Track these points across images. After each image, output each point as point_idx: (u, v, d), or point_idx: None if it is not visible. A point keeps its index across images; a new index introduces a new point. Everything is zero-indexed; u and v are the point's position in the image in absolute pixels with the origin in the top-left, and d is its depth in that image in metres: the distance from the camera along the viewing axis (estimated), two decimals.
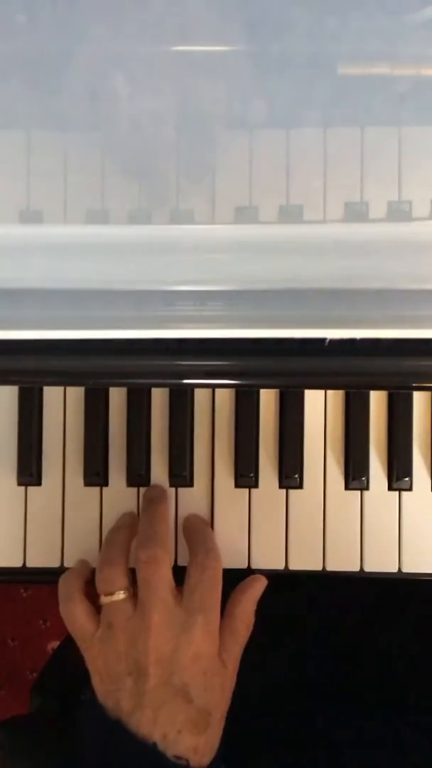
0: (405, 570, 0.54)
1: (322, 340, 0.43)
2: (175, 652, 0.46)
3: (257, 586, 0.51)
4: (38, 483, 0.55)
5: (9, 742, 0.54)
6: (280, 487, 0.54)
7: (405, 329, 0.41)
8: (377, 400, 0.54)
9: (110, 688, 0.46)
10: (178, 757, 0.44)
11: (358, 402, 0.54)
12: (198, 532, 0.52)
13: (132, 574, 0.49)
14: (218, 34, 0.41)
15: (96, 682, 0.47)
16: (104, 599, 0.48)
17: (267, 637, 0.58)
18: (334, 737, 0.53)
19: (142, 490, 0.55)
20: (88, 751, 0.46)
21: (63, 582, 0.50)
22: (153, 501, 0.53)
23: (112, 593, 0.48)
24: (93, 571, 0.51)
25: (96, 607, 0.49)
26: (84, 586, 0.50)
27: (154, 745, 0.44)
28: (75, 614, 0.49)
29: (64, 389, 0.55)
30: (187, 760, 0.44)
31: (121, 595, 0.48)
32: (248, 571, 0.54)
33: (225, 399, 0.55)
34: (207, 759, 0.46)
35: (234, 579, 0.52)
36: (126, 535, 0.52)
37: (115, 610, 0.48)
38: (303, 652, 0.60)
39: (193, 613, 0.47)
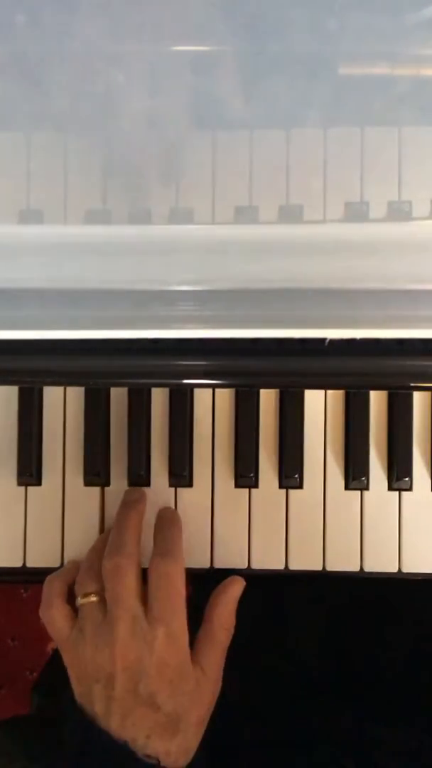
0: (405, 570, 0.54)
1: (322, 340, 0.43)
2: (140, 662, 0.46)
3: (235, 588, 0.50)
4: (38, 483, 0.55)
5: (9, 742, 0.54)
6: (280, 487, 0.54)
7: (405, 329, 0.41)
8: (377, 400, 0.54)
9: (84, 690, 0.47)
10: (148, 756, 0.45)
11: (358, 402, 0.54)
12: (161, 530, 0.51)
13: None
14: (218, 34, 0.41)
15: (73, 683, 0.48)
16: (78, 601, 0.49)
17: (263, 637, 0.58)
18: (332, 737, 0.52)
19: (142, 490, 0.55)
20: (68, 746, 0.47)
21: (45, 584, 0.51)
22: (127, 506, 0.52)
23: (86, 595, 0.48)
24: None
25: (75, 610, 0.49)
26: (67, 589, 0.50)
27: (126, 743, 0.45)
28: (52, 617, 0.49)
29: (64, 389, 0.55)
30: (157, 759, 0.45)
31: (92, 598, 0.48)
32: (248, 572, 0.54)
33: (225, 399, 0.55)
34: (183, 761, 0.46)
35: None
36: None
37: (86, 614, 0.48)
38: (301, 652, 0.60)
39: (155, 625, 0.46)
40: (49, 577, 0.51)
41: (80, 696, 0.47)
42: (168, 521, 0.52)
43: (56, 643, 0.49)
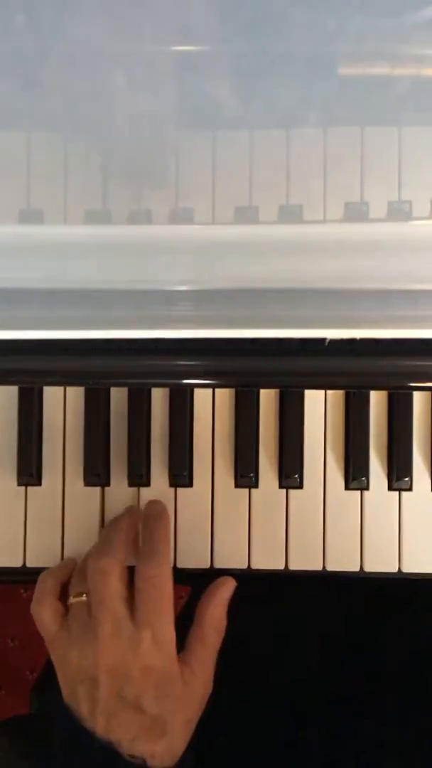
0: (405, 570, 0.54)
1: (322, 340, 0.43)
2: (124, 665, 0.46)
3: (225, 589, 0.50)
4: (38, 483, 0.55)
5: (9, 742, 0.54)
6: (280, 487, 0.54)
7: (405, 329, 0.41)
8: (377, 400, 0.54)
9: (70, 691, 0.47)
10: (132, 756, 0.44)
11: (358, 402, 0.54)
12: (149, 529, 0.51)
13: None
14: (218, 34, 0.41)
15: (60, 682, 0.48)
16: (69, 600, 0.49)
17: (265, 639, 0.57)
18: (334, 738, 0.52)
19: (143, 490, 0.55)
20: (56, 744, 0.47)
21: (38, 580, 0.51)
22: (127, 512, 0.53)
23: (77, 595, 0.48)
24: None
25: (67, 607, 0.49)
26: (59, 587, 0.50)
27: (111, 743, 0.45)
28: (41, 614, 0.49)
29: (64, 389, 0.55)
30: (143, 759, 0.45)
31: (83, 598, 0.48)
32: (248, 572, 0.54)
33: (225, 399, 0.55)
34: (169, 762, 0.46)
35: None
36: None
37: (74, 614, 0.48)
38: (302, 653, 0.60)
39: (141, 628, 0.46)
40: (42, 574, 0.51)
41: (67, 696, 0.47)
42: (154, 519, 0.51)
43: (45, 640, 0.49)
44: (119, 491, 0.55)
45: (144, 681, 0.46)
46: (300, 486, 0.54)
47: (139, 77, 0.42)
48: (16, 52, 0.41)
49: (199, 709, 0.48)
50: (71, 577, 0.50)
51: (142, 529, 0.51)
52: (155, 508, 0.53)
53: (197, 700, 0.48)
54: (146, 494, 0.55)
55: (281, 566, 0.54)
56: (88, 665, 0.46)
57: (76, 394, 0.55)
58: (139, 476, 0.54)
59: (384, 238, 0.38)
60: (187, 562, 0.53)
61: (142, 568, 0.48)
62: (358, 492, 0.54)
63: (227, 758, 0.51)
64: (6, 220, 0.45)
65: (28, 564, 0.55)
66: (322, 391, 0.54)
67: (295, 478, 0.54)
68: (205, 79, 0.42)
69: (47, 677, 0.70)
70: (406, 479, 0.54)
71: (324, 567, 0.54)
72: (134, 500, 0.55)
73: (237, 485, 0.54)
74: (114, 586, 0.47)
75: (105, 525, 0.53)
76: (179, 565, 0.54)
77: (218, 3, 0.41)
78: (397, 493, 0.54)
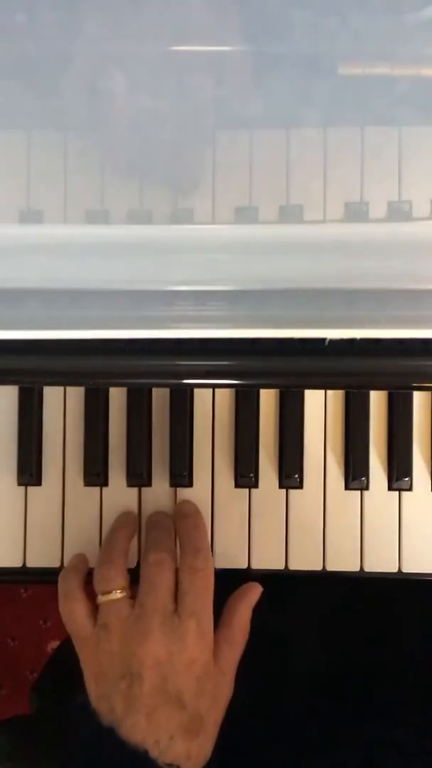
0: (405, 570, 0.54)
1: (322, 340, 0.43)
2: (169, 657, 0.46)
3: (253, 594, 0.51)
4: (38, 483, 0.55)
5: (9, 742, 0.54)
6: (280, 487, 0.54)
7: (405, 329, 0.41)
8: (377, 400, 0.54)
9: (103, 691, 0.46)
10: (169, 765, 0.44)
11: (358, 402, 0.54)
12: (189, 527, 0.52)
13: (130, 575, 0.49)
14: (218, 34, 0.41)
15: (90, 684, 0.47)
16: (101, 598, 0.48)
17: (266, 639, 0.57)
18: (334, 738, 0.52)
19: (143, 490, 0.55)
20: (79, 757, 0.46)
21: (62, 579, 0.50)
22: (161, 516, 0.53)
23: (109, 592, 0.48)
24: (92, 570, 0.51)
25: (95, 606, 0.49)
26: (83, 584, 0.50)
27: (146, 752, 0.44)
28: (74, 612, 0.48)
29: (64, 389, 0.55)
30: (178, 767, 0.44)
31: (117, 594, 0.48)
32: (248, 571, 0.54)
33: (225, 399, 0.55)
34: (200, 764, 0.46)
35: (233, 579, 0.52)
36: (125, 536, 0.51)
37: (111, 610, 0.47)
38: (303, 653, 0.60)
39: (186, 619, 0.47)
40: (63, 572, 0.51)
41: (97, 698, 0.46)
42: (192, 517, 0.53)
43: (74, 640, 0.49)
44: (119, 491, 0.55)
45: (187, 674, 0.46)
46: (300, 486, 0.54)
47: (139, 77, 0.42)
48: (16, 52, 0.41)
49: (224, 709, 0.48)
50: (94, 576, 0.50)
51: (180, 527, 0.52)
52: (189, 507, 0.54)
53: (224, 700, 0.48)
54: (146, 494, 0.55)
55: (281, 566, 0.54)
56: (132, 660, 0.46)
57: (76, 394, 0.55)
58: (139, 476, 0.54)
59: (384, 238, 0.38)
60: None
61: (190, 561, 0.49)
62: (358, 492, 0.54)
63: (231, 758, 0.51)
64: (6, 220, 0.46)
65: (28, 564, 0.55)
66: (322, 391, 0.54)
67: (295, 478, 0.54)
68: (205, 80, 0.42)
69: (47, 677, 0.70)
70: (406, 479, 0.54)
71: (324, 567, 0.54)
72: (134, 500, 0.55)
73: (237, 485, 0.54)
74: (169, 578, 0.48)
75: (147, 521, 0.53)
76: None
77: (217, 3, 0.41)
78: (397, 493, 0.54)
